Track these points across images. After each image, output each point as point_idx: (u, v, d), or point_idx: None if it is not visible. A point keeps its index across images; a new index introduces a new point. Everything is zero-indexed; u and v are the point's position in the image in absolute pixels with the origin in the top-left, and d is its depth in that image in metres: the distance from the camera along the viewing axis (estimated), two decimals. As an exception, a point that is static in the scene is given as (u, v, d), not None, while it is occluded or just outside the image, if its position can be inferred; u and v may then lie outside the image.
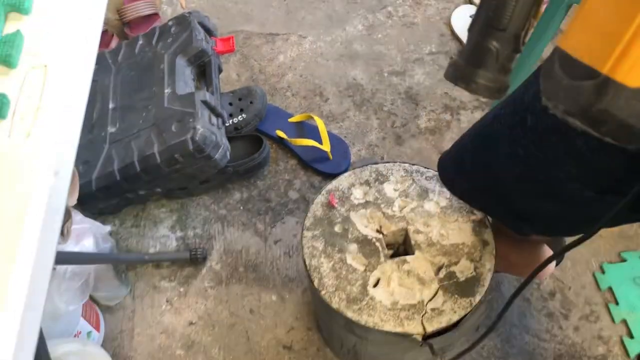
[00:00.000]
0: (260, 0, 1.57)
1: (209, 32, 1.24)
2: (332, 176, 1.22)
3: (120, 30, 1.49)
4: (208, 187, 1.23)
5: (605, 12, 0.44)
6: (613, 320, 1.07)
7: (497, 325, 1.08)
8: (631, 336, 1.05)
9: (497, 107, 0.70)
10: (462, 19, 1.48)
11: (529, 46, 1.10)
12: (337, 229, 0.80)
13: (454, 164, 0.79)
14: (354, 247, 0.78)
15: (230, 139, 1.20)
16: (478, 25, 0.49)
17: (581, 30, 0.47)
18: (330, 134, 1.27)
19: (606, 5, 0.44)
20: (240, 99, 1.29)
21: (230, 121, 1.26)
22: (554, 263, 0.97)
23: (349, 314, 0.72)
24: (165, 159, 1.04)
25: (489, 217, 0.83)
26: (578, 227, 0.71)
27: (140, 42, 1.24)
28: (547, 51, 1.42)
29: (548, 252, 0.95)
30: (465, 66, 0.50)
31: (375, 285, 0.75)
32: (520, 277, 1.09)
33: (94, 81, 1.21)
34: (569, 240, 0.86)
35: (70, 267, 0.94)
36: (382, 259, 0.77)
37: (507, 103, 0.67)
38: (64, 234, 0.57)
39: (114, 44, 1.41)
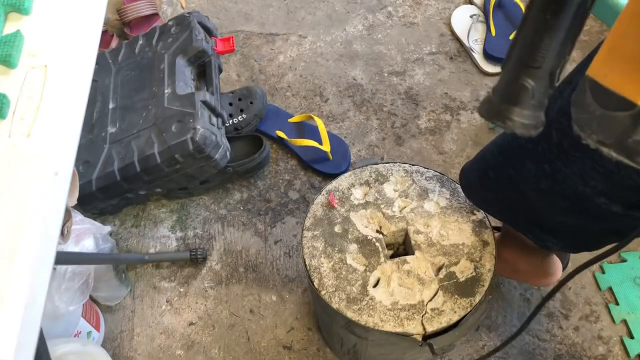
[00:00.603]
0: (260, 0, 1.57)
1: (209, 32, 1.24)
2: (332, 176, 1.22)
3: (120, 30, 1.49)
4: (208, 187, 1.23)
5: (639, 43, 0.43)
6: (613, 320, 1.07)
7: (498, 326, 1.09)
8: (631, 336, 1.05)
9: None
10: (462, 19, 1.48)
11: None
12: (337, 229, 0.80)
13: (477, 178, 0.79)
14: (354, 247, 0.78)
15: (230, 139, 1.20)
16: (512, 62, 0.47)
17: (613, 60, 0.46)
18: (330, 134, 1.27)
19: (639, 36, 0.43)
20: (240, 99, 1.29)
21: (230, 121, 1.26)
22: (560, 268, 0.98)
23: (349, 314, 0.72)
24: (165, 159, 1.04)
25: (516, 229, 0.82)
26: (604, 241, 0.71)
27: (141, 42, 1.24)
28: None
29: (555, 260, 0.95)
30: (500, 104, 0.48)
31: (375, 285, 0.75)
32: (525, 283, 1.09)
33: (94, 81, 1.21)
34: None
35: (70, 267, 0.94)
36: (382, 259, 0.77)
37: None
38: (64, 234, 0.57)
39: (114, 44, 1.41)
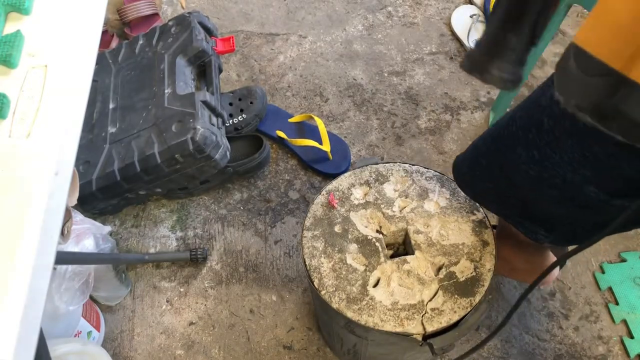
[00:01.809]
0: (260, 0, 1.57)
1: (209, 32, 1.24)
2: (332, 176, 1.22)
3: (120, 30, 1.49)
4: (208, 187, 1.23)
5: (624, 11, 0.44)
6: (613, 320, 1.07)
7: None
8: (631, 336, 1.05)
9: (512, 110, 0.70)
10: (462, 19, 1.48)
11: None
12: (337, 229, 0.80)
13: (469, 167, 0.79)
14: (354, 247, 0.78)
15: (230, 139, 1.20)
16: (496, 17, 0.49)
17: (598, 27, 0.47)
18: (330, 134, 1.27)
19: (625, 4, 0.44)
20: (240, 99, 1.29)
21: (231, 121, 1.26)
22: (557, 268, 0.98)
23: (349, 314, 0.72)
24: (165, 159, 1.04)
25: (507, 221, 0.82)
26: (592, 232, 0.71)
27: (141, 42, 1.24)
28: (547, 52, 1.42)
29: (552, 258, 0.95)
30: (481, 57, 0.50)
31: (375, 285, 0.75)
32: (524, 282, 1.09)
33: (94, 81, 1.21)
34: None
35: (70, 267, 0.94)
36: (382, 259, 0.77)
37: (522, 106, 0.67)
38: (64, 234, 0.57)
39: (114, 44, 1.41)
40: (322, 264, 0.77)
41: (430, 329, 0.71)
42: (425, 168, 0.85)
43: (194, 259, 1.15)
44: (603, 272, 1.12)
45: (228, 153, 1.11)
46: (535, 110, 0.63)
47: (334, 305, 0.73)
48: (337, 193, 0.83)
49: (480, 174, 0.76)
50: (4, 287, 0.43)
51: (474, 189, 0.80)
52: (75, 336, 0.97)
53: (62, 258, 0.88)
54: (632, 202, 0.55)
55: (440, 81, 1.39)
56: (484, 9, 1.48)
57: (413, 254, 0.77)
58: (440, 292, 0.74)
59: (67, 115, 0.53)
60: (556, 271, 0.97)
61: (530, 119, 0.64)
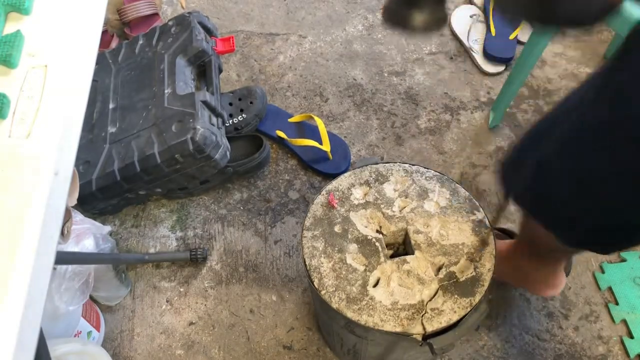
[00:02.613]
0: (260, 0, 1.57)
1: (209, 32, 1.24)
2: (332, 176, 1.22)
3: (120, 30, 1.49)
4: (208, 187, 1.23)
5: None
6: (613, 320, 1.07)
7: (498, 326, 1.09)
8: (631, 336, 1.05)
9: (578, 98, 0.60)
10: (462, 19, 1.48)
11: (529, 46, 1.10)
12: (337, 229, 0.80)
13: (526, 171, 0.69)
14: (354, 247, 0.78)
15: (230, 139, 1.20)
16: None
17: None
18: (330, 134, 1.27)
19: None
20: (240, 99, 1.29)
21: (230, 121, 1.26)
22: (564, 281, 0.98)
23: (349, 314, 0.72)
24: (165, 159, 1.04)
25: (557, 236, 0.72)
26: None
27: (141, 42, 1.24)
28: (547, 52, 1.42)
29: (562, 273, 0.95)
30: (399, 9, 0.46)
31: (375, 285, 0.75)
32: (531, 292, 1.08)
33: (94, 81, 1.21)
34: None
35: (70, 267, 0.94)
36: (382, 259, 0.77)
37: (587, 88, 0.57)
38: (64, 234, 0.57)
39: (114, 44, 1.41)
40: (322, 264, 0.77)
41: (430, 329, 0.71)
42: (425, 168, 0.85)
43: (194, 259, 1.15)
44: (603, 272, 1.12)
45: (228, 153, 1.11)
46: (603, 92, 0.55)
47: (334, 305, 0.73)
48: (337, 193, 0.83)
49: (543, 180, 0.67)
50: (4, 287, 0.43)
51: (525, 196, 0.70)
52: (75, 336, 0.98)
53: (62, 258, 0.88)
54: None
55: (440, 81, 1.39)
56: (484, 9, 1.48)
57: (413, 254, 0.77)
58: (440, 292, 0.74)
59: (67, 115, 0.53)
60: (563, 284, 0.97)
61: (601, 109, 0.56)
